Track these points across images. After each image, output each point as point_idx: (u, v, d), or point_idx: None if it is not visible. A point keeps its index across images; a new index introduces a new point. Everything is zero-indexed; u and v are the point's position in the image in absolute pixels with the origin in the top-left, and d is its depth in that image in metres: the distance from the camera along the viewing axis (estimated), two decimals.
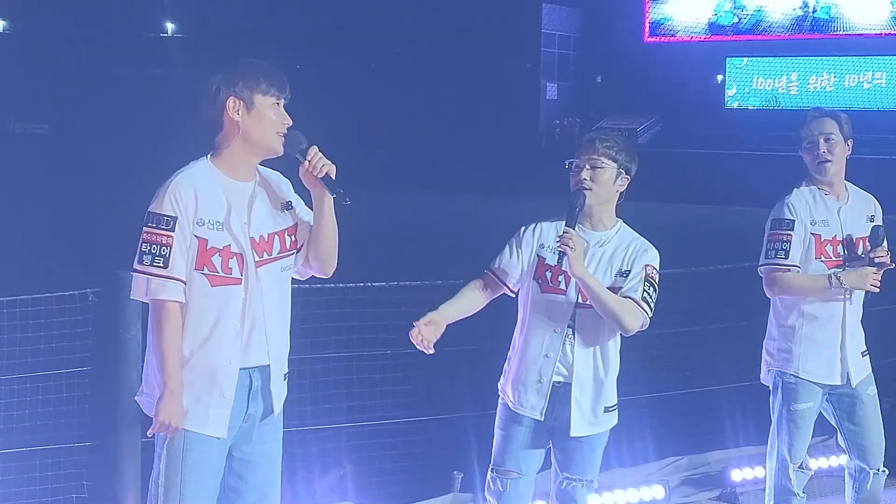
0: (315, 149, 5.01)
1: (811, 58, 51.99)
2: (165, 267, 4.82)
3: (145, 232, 4.85)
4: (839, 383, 6.72)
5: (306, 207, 5.17)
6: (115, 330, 6.67)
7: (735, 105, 54.14)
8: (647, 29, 56.03)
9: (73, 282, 7.15)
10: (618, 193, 5.86)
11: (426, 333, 5.79)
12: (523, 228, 5.93)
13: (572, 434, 5.82)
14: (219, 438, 4.96)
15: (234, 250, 4.92)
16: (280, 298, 5.12)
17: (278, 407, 5.16)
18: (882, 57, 50.28)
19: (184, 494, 4.93)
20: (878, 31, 50.53)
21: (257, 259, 4.97)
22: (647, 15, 55.94)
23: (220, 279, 4.91)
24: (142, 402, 5.10)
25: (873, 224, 6.68)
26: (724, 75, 54.35)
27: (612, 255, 5.79)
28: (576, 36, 56.24)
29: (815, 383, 6.68)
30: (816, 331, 6.63)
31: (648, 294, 5.76)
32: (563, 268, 5.68)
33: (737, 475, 8.65)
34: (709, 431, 9.49)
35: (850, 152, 6.75)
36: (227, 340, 4.93)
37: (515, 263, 5.88)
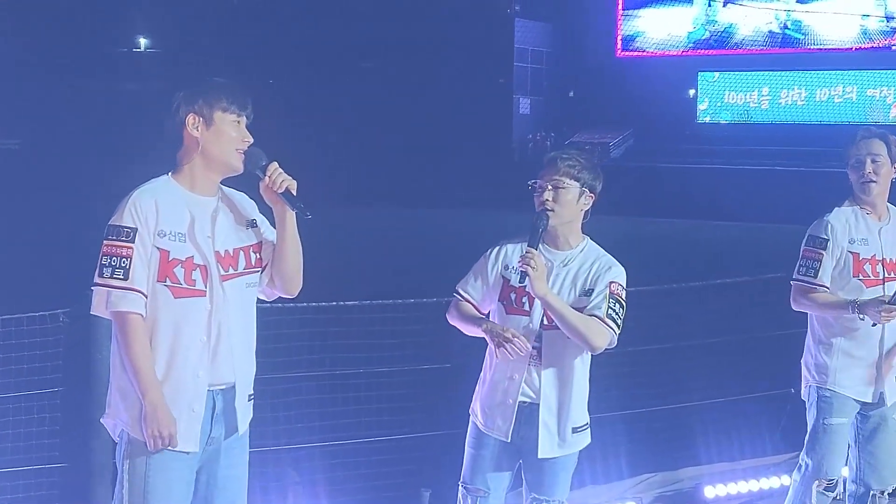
0: (275, 164, 4.99)
1: (782, 72, 52.23)
2: (126, 279, 4.78)
3: (105, 245, 4.82)
4: (872, 401, 6.76)
5: (271, 227, 5.15)
6: (87, 350, 6.64)
7: (707, 119, 54.32)
8: (619, 44, 56.20)
9: (45, 300, 7.12)
10: (582, 212, 5.83)
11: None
12: (488, 251, 5.91)
13: (540, 455, 5.80)
14: (187, 454, 4.91)
15: (197, 262, 4.89)
16: (245, 315, 5.10)
17: (243, 427, 5.12)
18: (852, 71, 50.55)
19: None
20: (848, 46, 50.79)
21: (223, 273, 4.95)
22: (619, 30, 56.11)
23: (182, 291, 4.87)
24: (107, 423, 5.06)
25: None
26: (696, 90, 54.53)
27: (577, 273, 5.76)
28: (548, 51, 56.36)
29: (849, 399, 6.71)
30: (854, 347, 6.68)
31: (614, 311, 5.71)
32: (527, 288, 5.67)
33: (710, 492, 8.66)
34: (682, 448, 9.50)
35: (895, 175, 6.77)
36: (194, 353, 4.89)
37: (480, 287, 5.89)
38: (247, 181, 5.09)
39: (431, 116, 51.42)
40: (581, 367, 5.83)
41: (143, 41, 62.66)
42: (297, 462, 8.42)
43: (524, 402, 5.77)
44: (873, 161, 6.65)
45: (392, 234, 32.12)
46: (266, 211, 5.15)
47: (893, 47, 49.88)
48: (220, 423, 5.00)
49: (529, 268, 5.55)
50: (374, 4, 54.03)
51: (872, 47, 50.52)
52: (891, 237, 6.73)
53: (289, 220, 5.06)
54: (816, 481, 6.81)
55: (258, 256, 5.11)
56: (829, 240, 6.63)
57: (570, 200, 5.74)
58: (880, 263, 6.65)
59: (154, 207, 4.84)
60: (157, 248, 4.83)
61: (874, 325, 6.57)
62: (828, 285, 6.64)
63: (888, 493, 7.03)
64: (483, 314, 5.92)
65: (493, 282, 5.84)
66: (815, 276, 6.63)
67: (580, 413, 5.87)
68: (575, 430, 5.84)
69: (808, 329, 6.87)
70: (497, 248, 5.91)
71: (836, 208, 6.76)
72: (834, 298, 6.66)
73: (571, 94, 55.69)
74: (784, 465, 9.30)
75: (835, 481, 6.84)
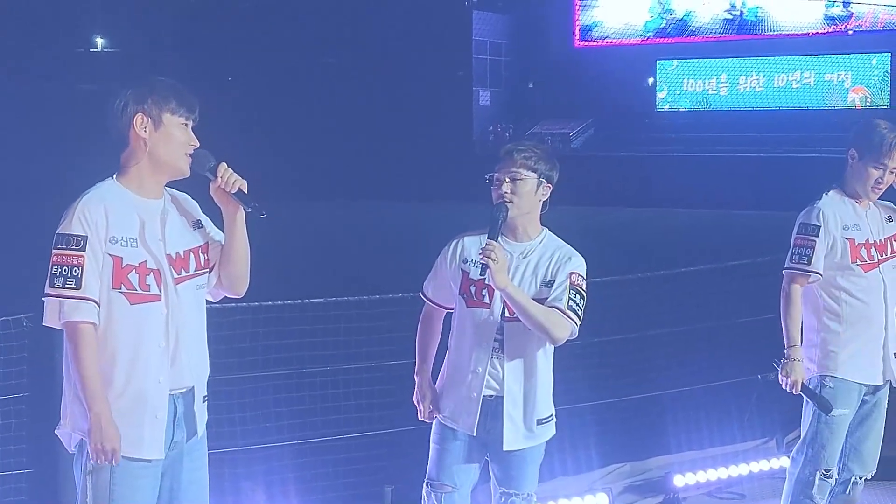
0: (225, 165, 4.95)
1: (740, 59, 52.32)
2: (78, 288, 4.71)
3: (55, 254, 4.73)
4: (880, 383, 6.78)
5: (216, 227, 5.11)
6: (51, 355, 6.58)
7: (666, 107, 54.38)
8: (577, 34, 56.16)
9: (7, 305, 7.07)
10: (541, 203, 5.84)
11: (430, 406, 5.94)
12: (446, 246, 5.91)
13: (505, 448, 5.80)
14: (151, 462, 4.85)
15: (150, 266, 4.83)
16: (199, 317, 5.06)
17: (202, 429, 5.09)
18: (810, 57, 50.69)
19: None
20: (805, 32, 50.96)
21: (175, 276, 4.90)
22: (577, 20, 56.08)
23: (138, 297, 4.81)
24: (62, 435, 4.99)
25: None
26: (655, 78, 54.59)
27: (537, 265, 5.76)
28: (507, 42, 56.27)
29: (856, 384, 6.71)
30: (860, 332, 6.69)
31: (575, 302, 5.71)
32: (487, 281, 5.66)
33: (679, 480, 8.68)
34: (650, 437, 9.54)
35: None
36: (154, 359, 4.84)
37: (441, 285, 5.91)
38: (187, 180, 5.04)
39: (391, 110, 51.30)
40: (544, 359, 5.82)
41: (100, 41, 62.27)
42: (262, 461, 8.39)
43: (489, 396, 5.77)
44: (892, 172, 6.65)
45: (353, 229, 32.06)
46: (209, 211, 5.10)
47: (850, 32, 50.06)
48: (181, 426, 4.96)
49: (490, 260, 5.54)
50: (333, 0, 53.94)
51: (829, 32, 50.68)
52: (875, 219, 6.77)
53: (239, 221, 5.01)
54: (818, 471, 6.81)
55: (206, 257, 5.06)
56: (820, 226, 6.64)
57: (528, 192, 5.75)
58: (873, 246, 6.69)
59: (103, 214, 4.76)
60: (110, 255, 4.76)
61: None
62: (821, 272, 6.66)
63: (865, 479, 7.07)
64: (451, 309, 5.90)
65: (452, 275, 5.83)
66: (809, 263, 6.65)
67: (545, 404, 5.87)
68: (540, 422, 5.85)
69: (809, 314, 6.83)
70: (455, 241, 5.91)
71: (825, 195, 6.75)
72: (796, 324, 6.72)
73: (531, 85, 55.63)
74: (752, 452, 9.34)
75: (832, 470, 6.85)
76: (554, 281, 5.73)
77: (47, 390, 6.63)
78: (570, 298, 5.70)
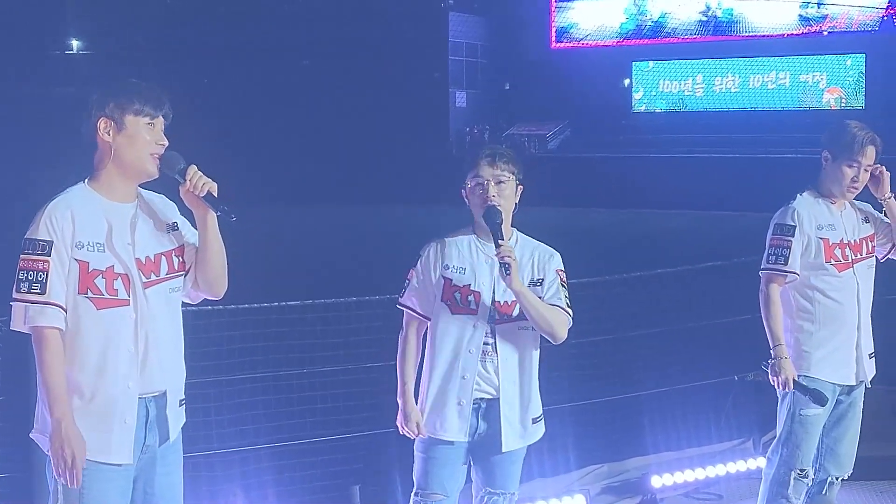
0: (194, 168, 4.87)
1: (716, 60, 52.54)
2: (43, 293, 4.67)
3: (22, 259, 4.69)
4: (854, 383, 6.79)
5: (192, 229, 5.03)
6: (26, 359, 6.54)
7: (642, 108, 54.58)
8: (553, 35, 56.31)
9: None
10: (515, 204, 5.87)
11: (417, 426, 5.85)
12: (424, 254, 5.86)
13: (504, 449, 5.80)
14: (121, 466, 4.81)
15: (118, 271, 4.78)
16: (172, 321, 5.00)
17: (175, 433, 5.03)
18: (785, 57, 50.92)
19: None
20: (780, 33, 51.16)
21: (145, 280, 4.83)
22: (553, 21, 56.23)
23: (105, 301, 4.76)
24: (37, 438, 4.93)
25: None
26: (631, 79, 54.77)
27: (520, 266, 5.78)
28: (483, 44, 56.38)
29: (830, 384, 6.71)
30: (833, 332, 6.68)
31: (568, 298, 5.80)
32: (503, 282, 5.66)
33: (656, 481, 8.68)
34: (628, 438, 9.54)
35: None
36: (123, 364, 4.79)
37: (428, 294, 5.83)
38: (165, 182, 5.00)
39: (368, 112, 51.32)
40: (535, 357, 5.86)
41: (75, 43, 62.07)
42: (239, 464, 8.38)
43: (479, 400, 5.76)
44: (865, 170, 6.66)
45: (330, 232, 32.04)
46: (187, 212, 5.06)
47: (825, 33, 50.30)
48: (153, 430, 4.91)
49: (513, 260, 5.56)
50: (309, 2, 53.90)
51: (804, 33, 50.92)
52: (850, 219, 6.77)
53: (210, 223, 4.94)
54: (793, 471, 6.81)
55: (181, 260, 5.00)
56: (796, 226, 6.64)
57: (510, 194, 5.79)
58: (847, 247, 6.69)
59: (70, 218, 4.71)
60: (76, 259, 4.71)
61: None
62: (798, 272, 6.66)
63: (842, 480, 7.07)
64: (430, 319, 5.89)
65: (436, 284, 5.80)
66: (786, 263, 6.64)
67: (537, 403, 5.91)
68: (534, 421, 5.88)
69: (783, 319, 6.84)
70: (430, 249, 5.86)
71: (800, 196, 6.76)
72: (780, 325, 6.72)
73: (507, 86, 55.76)
74: (729, 452, 9.35)
75: (807, 470, 6.85)
76: (543, 280, 5.77)
77: (23, 394, 6.60)
78: (565, 295, 5.78)
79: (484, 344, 5.73)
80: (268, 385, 8.66)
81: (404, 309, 5.92)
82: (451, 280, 5.77)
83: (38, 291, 4.67)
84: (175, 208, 5.05)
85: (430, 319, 5.86)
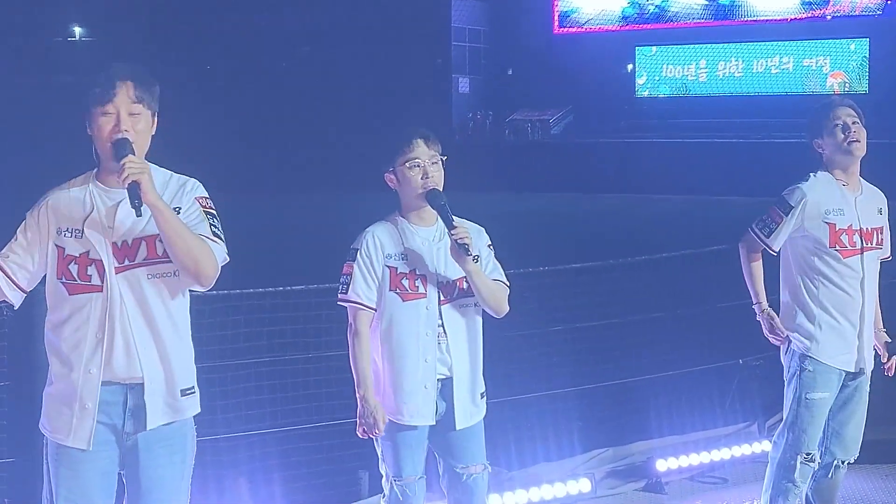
0: (129, 157, 4.69)
1: (719, 45, 52.43)
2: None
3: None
4: (854, 370, 6.78)
5: (191, 215, 4.91)
6: (31, 343, 6.54)
7: (646, 94, 54.47)
8: (556, 20, 56.18)
9: None
10: None
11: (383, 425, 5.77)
12: (362, 247, 5.80)
13: (458, 427, 5.82)
14: (84, 451, 4.82)
15: (92, 257, 4.78)
16: (154, 308, 4.87)
17: (154, 422, 4.89)
18: (789, 42, 50.82)
19: None
20: (784, 17, 51.06)
21: (117, 265, 4.79)
22: (555, 6, 56.10)
23: (78, 287, 4.79)
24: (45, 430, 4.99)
25: None
26: (634, 64, 54.66)
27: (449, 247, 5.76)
28: (486, 29, 56.29)
29: (833, 369, 6.72)
30: (836, 316, 6.69)
31: (504, 272, 5.86)
32: (459, 262, 5.65)
33: (661, 465, 8.69)
34: (633, 422, 9.55)
35: None
36: (87, 349, 4.79)
37: (374, 287, 5.77)
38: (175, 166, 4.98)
39: (371, 98, 51.25)
40: (479, 334, 5.91)
41: (77, 30, 61.99)
42: (244, 449, 8.39)
43: (438, 380, 5.78)
44: (854, 123, 6.64)
45: (334, 218, 31.97)
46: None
47: (829, 17, 50.20)
48: (131, 419, 4.87)
49: (469, 240, 5.58)
50: None
51: (807, 17, 50.81)
52: (865, 207, 6.74)
53: (157, 213, 4.75)
54: (799, 455, 6.81)
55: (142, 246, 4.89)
56: (794, 208, 6.64)
57: (441, 175, 5.80)
58: (857, 233, 6.66)
59: (53, 207, 4.83)
60: (56, 245, 4.82)
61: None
62: (776, 250, 6.70)
63: (847, 464, 7.07)
64: (374, 310, 5.81)
65: (381, 275, 5.77)
66: (768, 237, 6.68)
67: (482, 379, 5.94)
68: (482, 396, 5.93)
69: (788, 295, 6.84)
70: (368, 239, 5.83)
71: (813, 176, 6.74)
72: (759, 281, 6.80)
73: (510, 72, 55.64)
74: (734, 436, 9.36)
75: (813, 454, 6.85)
76: (479, 256, 5.78)
77: (27, 380, 6.61)
78: (501, 268, 5.85)
79: (438, 326, 5.75)
80: (274, 370, 8.66)
81: (349, 304, 5.80)
82: (396, 268, 5.77)
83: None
84: (175, 193, 4.93)
85: (375, 310, 5.80)
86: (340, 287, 5.82)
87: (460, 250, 5.59)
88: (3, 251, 4.87)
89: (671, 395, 9.83)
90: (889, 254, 6.97)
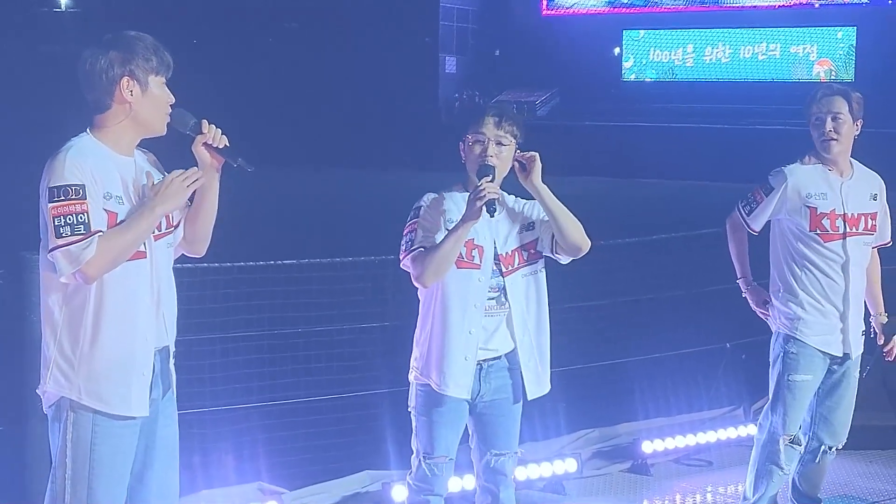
0: (206, 121, 4.91)
1: (707, 30, 52.37)
2: (88, 234, 4.58)
3: (55, 207, 4.56)
4: (839, 354, 6.80)
5: None
6: (22, 313, 6.52)
7: (632, 77, 54.40)
8: (544, 2, 56.08)
9: None
10: (510, 167, 5.85)
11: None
12: (424, 204, 5.80)
13: (530, 397, 5.85)
14: (134, 420, 4.82)
15: None
16: (170, 275, 5.04)
17: (171, 387, 5.08)
18: (776, 29, 50.80)
19: (93, 489, 4.75)
20: (772, 4, 51.04)
21: (156, 233, 4.85)
22: None
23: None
24: (45, 395, 4.87)
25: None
26: (622, 48, 54.60)
27: (509, 218, 5.83)
28: (474, 9, 56.13)
29: (819, 352, 6.73)
30: (821, 299, 6.74)
31: None
32: (492, 220, 5.66)
33: (647, 447, 8.73)
34: (619, 404, 9.57)
35: (858, 132, 6.78)
36: (142, 317, 4.81)
37: (434, 239, 5.71)
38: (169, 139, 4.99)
39: (357, 77, 51.11)
40: (545, 306, 5.88)
41: (63, 1, 61.65)
42: (230, 423, 8.38)
43: (483, 360, 5.75)
44: (834, 119, 6.66)
45: (320, 195, 31.94)
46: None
47: (816, 5, 50.19)
48: (157, 384, 4.94)
49: (497, 196, 5.56)
50: None
51: (795, 5, 50.77)
52: (854, 192, 6.76)
53: (217, 179, 4.97)
54: (782, 437, 6.84)
55: (175, 213, 5.01)
56: (775, 190, 6.69)
57: (507, 157, 5.81)
58: (840, 218, 6.68)
59: (90, 168, 4.67)
60: (105, 210, 4.70)
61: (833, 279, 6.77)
62: (756, 230, 6.81)
63: (836, 450, 7.10)
64: None
65: (441, 234, 5.72)
66: (748, 216, 6.80)
67: (548, 351, 5.94)
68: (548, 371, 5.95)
69: (775, 274, 6.89)
70: (429, 199, 5.83)
71: (799, 162, 6.79)
72: (744, 256, 6.95)
73: (497, 52, 55.54)
74: (720, 419, 9.40)
75: (797, 436, 6.88)
76: (534, 222, 5.85)
77: (18, 349, 6.59)
78: None
79: (489, 299, 5.73)
80: (262, 344, 8.66)
81: (417, 252, 5.69)
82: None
83: (83, 233, 4.58)
84: (160, 164, 5.05)
85: None
86: (404, 246, 5.74)
87: (487, 207, 5.52)
88: (84, 228, 4.59)
89: (658, 378, 9.85)
90: (889, 239, 6.98)
